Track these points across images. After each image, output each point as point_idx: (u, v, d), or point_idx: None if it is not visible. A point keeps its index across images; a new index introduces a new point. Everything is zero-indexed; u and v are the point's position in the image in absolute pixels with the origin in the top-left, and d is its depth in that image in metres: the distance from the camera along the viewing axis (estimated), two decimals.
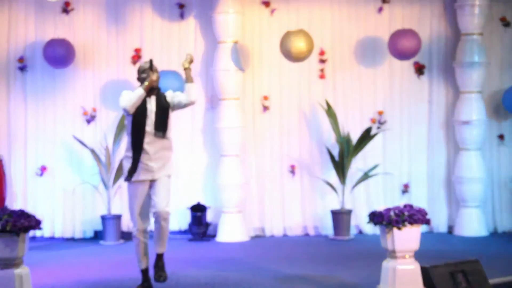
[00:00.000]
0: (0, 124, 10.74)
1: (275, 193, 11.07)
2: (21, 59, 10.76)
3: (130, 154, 7.32)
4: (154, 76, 7.26)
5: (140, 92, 7.22)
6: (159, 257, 7.47)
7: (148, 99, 7.30)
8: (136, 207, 7.36)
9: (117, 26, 10.88)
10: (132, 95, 7.22)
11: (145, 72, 7.31)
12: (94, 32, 10.88)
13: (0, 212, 6.75)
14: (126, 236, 10.43)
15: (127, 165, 7.36)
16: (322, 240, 10.69)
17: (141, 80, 7.34)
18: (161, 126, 7.31)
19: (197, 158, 10.96)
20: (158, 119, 7.29)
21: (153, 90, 7.34)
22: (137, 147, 7.26)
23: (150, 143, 7.27)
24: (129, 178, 7.31)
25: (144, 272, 7.52)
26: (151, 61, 7.30)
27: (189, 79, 7.38)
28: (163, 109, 7.33)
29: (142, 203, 7.37)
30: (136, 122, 7.27)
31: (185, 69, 7.37)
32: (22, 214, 6.76)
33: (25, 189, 10.77)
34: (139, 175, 7.30)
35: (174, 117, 7.60)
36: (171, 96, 7.44)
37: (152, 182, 7.35)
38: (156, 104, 7.32)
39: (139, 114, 7.25)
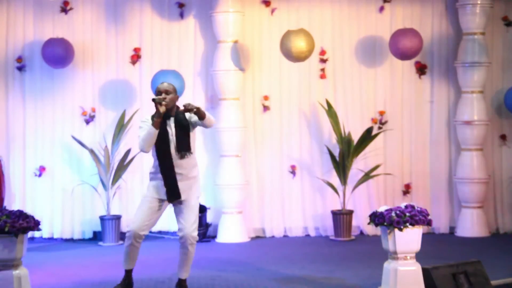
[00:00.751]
0: None
1: (276, 194, 11.03)
2: (19, 59, 10.71)
3: (159, 176, 7.22)
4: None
5: (151, 130, 7.06)
6: (182, 281, 7.44)
7: (168, 122, 7.17)
8: (144, 215, 7.24)
9: (116, 25, 10.84)
10: (145, 136, 7.09)
11: (156, 100, 7.13)
12: (93, 31, 10.83)
13: None
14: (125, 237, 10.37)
15: (154, 184, 7.27)
16: (322, 241, 10.65)
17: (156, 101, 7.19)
18: (184, 147, 7.19)
19: (197, 158, 10.87)
20: (179, 140, 7.17)
21: (171, 110, 7.17)
22: (168, 173, 7.18)
23: (177, 165, 7.18)
24: (173, 200, 7.24)
25: (128, 272, 7.42)
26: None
27: (202, 116, 7.09)
28: (183, 129, 7.18)
29: (152, 215, 7.27)
30: (160, 148, 7.18)
31: (192, 111, 7.05)
32: (20, 215, 6.74)
33: (24, 189, 10.72)
34: (161, 194, 7.25)
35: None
36: (188, 116, 7.24)
37: (177, 203, 7.28)
38: (175, 125, 7.19)
39: (161, 140, 7.14)
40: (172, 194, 7.23)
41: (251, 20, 10.96)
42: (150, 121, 7.17)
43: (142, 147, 7.16)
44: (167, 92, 7.17)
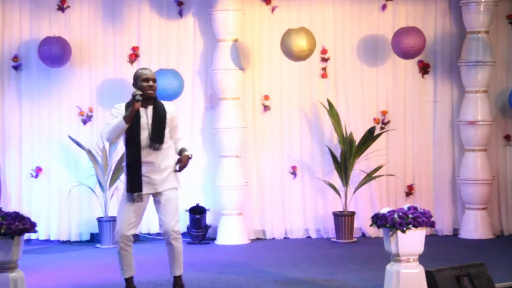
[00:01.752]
0: None
1: (276, 195, 10.96)
2: (15, 58, 10.63)
3: (127, 167, 7.12)
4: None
5: (121, 124, 6.99)
6: (177, 279, 7.33)
7: (144, 110, 7.08)
8: (125, 214, 7.13)
9: (114, 24, 10.77)
10: (113, 127, 7.02)
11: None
12: (90, 30, 10.75)
13: None
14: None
15: (126, 177, 7.17)
16: (324, 242, 10.60)
17: (136, 87, 7.12)
18: (158, 138, 7.08)
19: (196, 159, 10.79)
20: (155, 130, 7.07)
21: (149, 100, 7.11)
22: (134, 161, 7.05)
23: (149, 155, 7.07)
24: (133, 191, 7.08)
25: (128, 280, 7.33)
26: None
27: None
28: (161, 120, 7.11)
29: (135, 214, 7.16)
30: (130, 136, 7.07)
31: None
32: (16, 216, 6.71)
33: (20, 190, 10.64)
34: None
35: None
36: (171, 118, 7.20)
37: (156, 196, 7.17)
38: (153, 114, 7.09)
39: (132, 128, 7.03)
40: (133, 185, 7.07)
41: (251, 18, 10.89)
42: (123, 110, 7.09)
43: (109, 138, 7.14)
44: (154, 80, 7.17)
